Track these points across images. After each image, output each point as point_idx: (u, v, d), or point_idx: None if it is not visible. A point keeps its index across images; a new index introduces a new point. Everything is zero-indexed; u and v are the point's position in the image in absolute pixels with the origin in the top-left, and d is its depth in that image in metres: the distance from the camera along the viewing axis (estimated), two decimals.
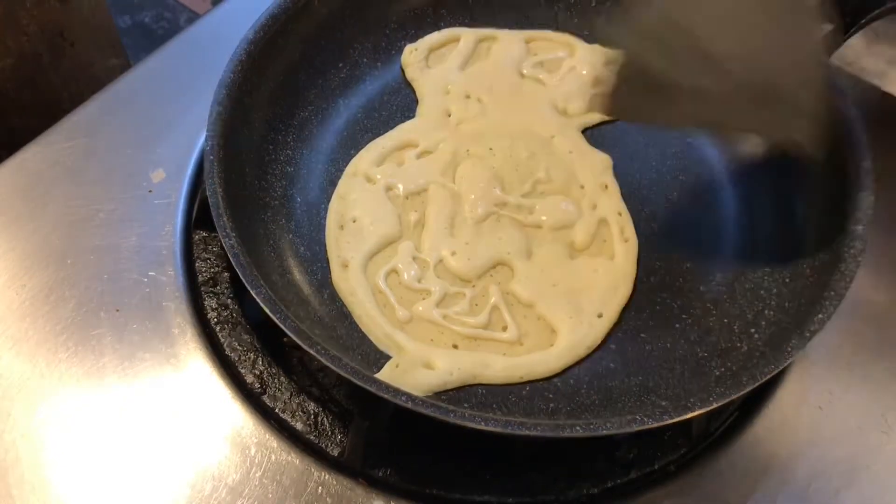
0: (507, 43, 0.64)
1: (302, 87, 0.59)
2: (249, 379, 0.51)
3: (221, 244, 0.55)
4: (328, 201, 0.56)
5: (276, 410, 0.50)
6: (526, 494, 0.48)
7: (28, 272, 0.53)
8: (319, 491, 0.47)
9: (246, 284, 0.44)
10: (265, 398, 0.50)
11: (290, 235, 0.54)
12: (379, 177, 0.56)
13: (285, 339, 0.60)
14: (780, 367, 0.43)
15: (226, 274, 0.54)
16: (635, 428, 0.41)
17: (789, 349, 0.44)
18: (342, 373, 0.42)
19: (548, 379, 0.50)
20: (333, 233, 0.54)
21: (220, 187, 0.47)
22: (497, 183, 0.57)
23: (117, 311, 0.52)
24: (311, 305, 0.51)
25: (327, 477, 0.47)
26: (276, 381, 0.51)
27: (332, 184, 0.57)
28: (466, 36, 0.64)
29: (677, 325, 0.52)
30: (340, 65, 0.61)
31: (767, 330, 0.49)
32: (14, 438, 0.48)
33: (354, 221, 0.54)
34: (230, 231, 0.46)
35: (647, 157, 0.60)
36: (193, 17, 1.58)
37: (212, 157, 0.48)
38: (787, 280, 0.51)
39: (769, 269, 0.53)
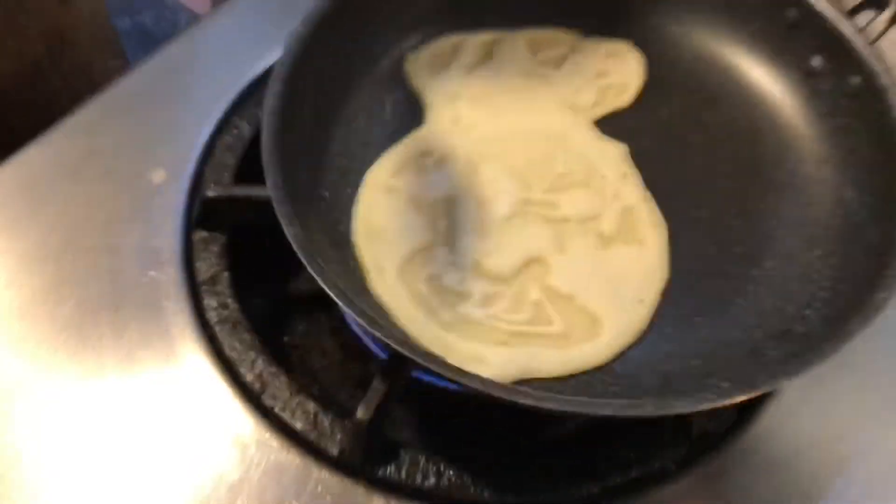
0: (509, 44, 0.64)
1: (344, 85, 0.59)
2: (249, 378, 0.51)
3: (221, 244, 0.55)
4: (329, 209, 0.55)
5: (276, 410, 0.50)
6: (526, 494, 0.48)
7: (27, 272, 0.53)
8: (319, 490, 0.47)
9: (313, 273, 0.44)
10: (265, 398, 0.50)
11: (319, 235, 0.53)
12: (400, 187, 0.56)
13: (285, 339, 0.60)
14: (843, 346, 0.44)
15: (225, 273, 0.54)
16: (706, 406, 0.42)
17: (852, 328, 0.44)
18: (424, 363, 0.41)
19: (608, 364, 0.50)
20: (363, 241, 0.54)
21: (280, 178, 0.47)
22: (518, 182, 0.57)
23: (117, 310, 0.52)
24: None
25: (327, 476, 0.47)
26: (276, 380, 0.51)
27: (331, 189, 0.56)
28: (467, 41, 0.64)
29: (731, 309, 0.52)
30: (341, 69, 0.61)
31: (823, 311, 0.50)
32: (14, 438, 0.48)
33: (384, 230, 0.54)
34: (293, 219, 0.45)
35: (668, 142, 0.60)
36: (193, 17, 1.58)
37: (270, 146, 0.48)
38: (840, 263, 0.52)
39: (820, 252, 0.53)
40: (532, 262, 0.53)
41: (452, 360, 0.48)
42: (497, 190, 0.56)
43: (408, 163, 0.57)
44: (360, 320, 0.42)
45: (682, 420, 0.50)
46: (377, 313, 0.50)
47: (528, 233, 0.55)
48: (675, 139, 0.60)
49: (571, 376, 0.49)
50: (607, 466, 0.49)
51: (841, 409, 0.51)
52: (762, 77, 0.62)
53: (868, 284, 0.47)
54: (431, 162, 0.58)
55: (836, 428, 0.50)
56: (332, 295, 0.43)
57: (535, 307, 0.52)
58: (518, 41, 0.64)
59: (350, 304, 0.43)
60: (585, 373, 0.49)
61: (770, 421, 0.50)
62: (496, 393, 0.41)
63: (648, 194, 0.57)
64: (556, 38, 0.65)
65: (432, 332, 0.50)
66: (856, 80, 0.56)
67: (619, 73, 0.63)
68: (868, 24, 0.57)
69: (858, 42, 0.56)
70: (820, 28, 0.58)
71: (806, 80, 0.60)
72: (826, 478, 0.49)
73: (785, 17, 0.60)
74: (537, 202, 0.56)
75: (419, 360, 0.41)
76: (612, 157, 0.58)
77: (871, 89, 0.54)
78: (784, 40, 0.60)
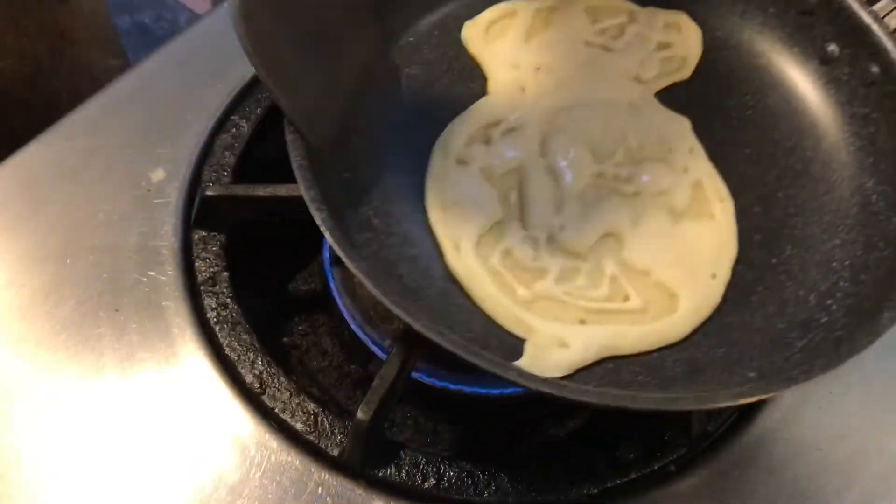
0: (566, 13, 0.62)
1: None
2: (249, 379, 0.51)
3: (221, 243, 0.55)
4: (398, 172, 0.54)
5: (276, 410, 0.50)
6: (526, 494, 0.48)
7: (27, 272, 0.53)
8: (319, 491, 0.47)
9: (345, 260, 0.42)
10: (265, 398, 0.50)
11: (365, 208, 0.52)
12: (470, 158, 0.55)
13: (285, 339, 0.60)
14: (875, 340, 0.43)
15: (225, 273, 0.54)
16: (740, 401, 0.42)
17: (884, 322, 0.44)
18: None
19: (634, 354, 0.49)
20: (437, 215, 0.52)
21: (304, 158, 0.46)
22: (589, 154, 0.56)
23: (116, 310, 0.52)
24: (394, 277, 0.50)
25: (327, 477, 0.47)
26: (275, 381, 0.51)
27: (398, 154, 0.55)
28: (523, 8, 0.62)
29: (753, 298, 0.51)
30: (401, 34, 0.60)
31: (845, 301, 0.49)
32: (14, 439, 0.48)
33: (456, 203, 0.53)
34: (321, 203, 0.44)
35: (726, 115, 0.59)
36: (193, 17, 1.58)
37: (292, 128, 0.46)
38: (860, 253, 0.51)
39: (839, 240, 0.53)
40: (607, 237, 0.53)
41: (534, 343, 0.48)
42: (569, 162, 0.55)
43: (477, 133, 0.56)
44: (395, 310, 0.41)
45: (683, 420, 0.50)
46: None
47: (603, 207, 0.54)
48: (710, 110, 0.58)
49: (598, 366, 0.48)
50: (607, 467, 0.49)
51: (841, 411, 0.51)
52: (779, 62, 0.60)
53: (890, 276, 0.47)
54: (500, 132, 0.56)
55: (836, 429, 0.50)
56: (364, 280, 0.42)
57: (612, 283, 0.51)
58: (576, 9, 0.62)
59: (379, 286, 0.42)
60: (611, 363, 0.48)
61: (770, 422, 0.50)
62: (527, 384, 0.41)
63: (714, 168, 0.56)
64: (614, 7, 0.63)
65: (512, 312, 0.49)
66: (874, 68, 0.55)
67: (680, 45, 0.61)
68: (886, 16, 0.57)
69: (878, 30, 0.55)
70: (838, 15, 0.57)
71: (823, 67, 0.59)
72: (826, 479, 0.49)
73: (802, 3, 0.59)
74: (610, 176, 0.55)
75: (441, 342, 0.40)
76: (679, 130, 0.58)
77: (891, 78, 0.54)
78: (800, 27, 0.59)
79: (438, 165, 0.55)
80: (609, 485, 0.48)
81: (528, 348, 0.48)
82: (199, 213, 0.56)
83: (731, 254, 0.53)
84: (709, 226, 0.54)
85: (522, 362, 0.47)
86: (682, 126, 0.58)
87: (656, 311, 0.50)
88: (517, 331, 0.49)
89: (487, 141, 0.56)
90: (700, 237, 0.53)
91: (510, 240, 0.52)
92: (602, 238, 0.53)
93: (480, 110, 0.57)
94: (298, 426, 0.49)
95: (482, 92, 0.58)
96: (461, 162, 0.55)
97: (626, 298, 0.50)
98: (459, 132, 0.56)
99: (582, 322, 0.49)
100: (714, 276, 0.52)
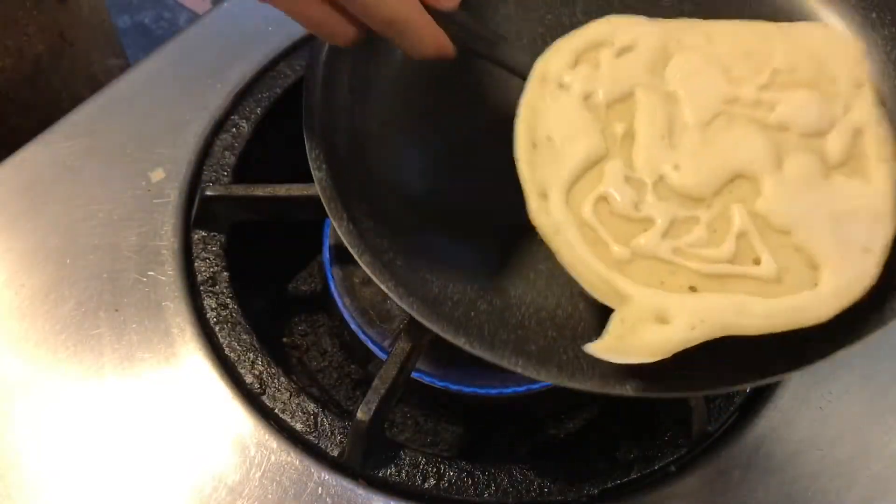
0: None
1: None
2: (249, 379, 0.51)
3: (220, 243, 0.55)
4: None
5: (276, 411, 0.50)
6: (526, 494, 0.48)
7: (27, 272, 0.53)
8: (319, 491, 0.47)
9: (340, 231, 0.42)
10: (264, 398, 0.50)
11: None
12: (573, 82, 0.45)
13: (285, 340, 0.60)
14: None
15: (225, 273, 0.54)
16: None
17: None
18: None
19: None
20: (526, 153, 0.43)
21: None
22: (722, 75, 0.45)
23: (116, 310, 0.52)
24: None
25: (327, 477, 0.47)
26: (275, 381, 0.51)
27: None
28: None
29: None
30: None
31: None
32: (14, 439, 0.48)
33: (549, 139, 0.44)
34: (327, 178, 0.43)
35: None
36: (193, 17, 1.58)
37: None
38: None
39: None
40: (738, 179, 0.42)
41: (622, 318, 0.39)
42: (694, 86, 0.44)
43: (585, 53, 0.46)
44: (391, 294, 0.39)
45: (683, 420, 0.50)
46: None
47: (736, 140, 0.43)
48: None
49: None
50: (607, 467, 0.49)
51: (841, 411, 0.51)
52: None
53: None
54: (611, 53, 0.46)
55: (836, 429, 0.50)
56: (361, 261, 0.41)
57: (740, 239, 0.41)
58: None
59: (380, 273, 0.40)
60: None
61: (770, 422, 0.50)
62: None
63: (882, 116, 0.44)
64: None
65: (600, 275, 0.40)
66: None
67: None
68: None
69: None
70: None
71: None
72: (826, 479, 0.49)
73: None
74: (748, 102, 0.44)
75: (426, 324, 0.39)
76: (846, 55, 0.45)
77: None
78: None
79: (535, 91, 0.45)
80: (609, 485, 0.48)
81: (614, 324, 0.39)
82: (198, 213, 0.56)
83: (888, 227, 0.41)
84: (862, 188, 0.42)
85: (599, 345, 0.38)
86: (851, 51, 0.46)
87: (793, 283, 0.40)
88: (607, 300, 0.40)
89: (595, 63, 0.46)
90: (853, 200, 0.42)
91: (609, 183, 0.42)
92: (732, 180, 0.42)
93: (590, 28, 0.47)
94: (298, 426, 0.49)
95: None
96: (562, 86, 0.45)
97: (757, 261, 0.40)
98: (563, 52, 0.46)
99: (692, 289, 0.40)
100: (868, 250, 0.40)
